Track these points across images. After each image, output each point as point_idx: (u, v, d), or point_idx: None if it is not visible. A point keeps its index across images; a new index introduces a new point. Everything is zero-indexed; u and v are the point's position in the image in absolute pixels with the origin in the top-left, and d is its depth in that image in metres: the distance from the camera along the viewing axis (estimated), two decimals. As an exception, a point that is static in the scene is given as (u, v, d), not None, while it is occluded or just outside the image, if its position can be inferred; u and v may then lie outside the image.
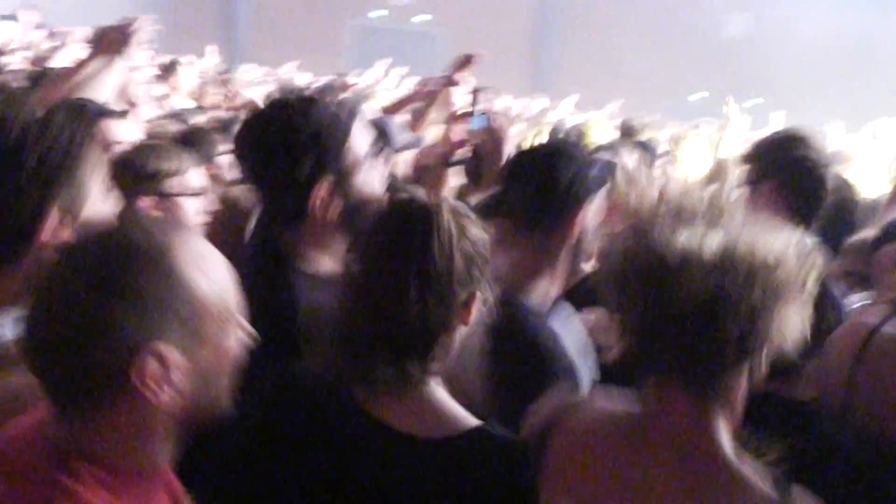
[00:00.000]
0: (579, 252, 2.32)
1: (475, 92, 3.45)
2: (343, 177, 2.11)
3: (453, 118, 3.58)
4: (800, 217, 2.94)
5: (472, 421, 1.63)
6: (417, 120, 5.39)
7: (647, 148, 5.22)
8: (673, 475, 1.48)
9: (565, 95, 12.46)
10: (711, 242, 1.44)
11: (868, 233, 3.59)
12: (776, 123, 12.50)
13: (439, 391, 1.65)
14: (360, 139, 2.17)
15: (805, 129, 3.36)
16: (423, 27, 23.80)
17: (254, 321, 1.57)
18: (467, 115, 3.43)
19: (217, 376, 1.31)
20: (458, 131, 3.47)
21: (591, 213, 2.31)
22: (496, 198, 2.37)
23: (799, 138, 3.10)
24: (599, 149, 4.94)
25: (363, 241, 1.70)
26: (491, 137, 3.14)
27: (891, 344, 2.18)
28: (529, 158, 2.40)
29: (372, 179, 2.19)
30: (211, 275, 1.29)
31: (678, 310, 1.42)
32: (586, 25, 22.75)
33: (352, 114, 2.22)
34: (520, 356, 2.10)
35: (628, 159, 4.57)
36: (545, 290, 2.27)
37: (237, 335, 1.35)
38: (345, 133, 2.14)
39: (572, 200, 2.27)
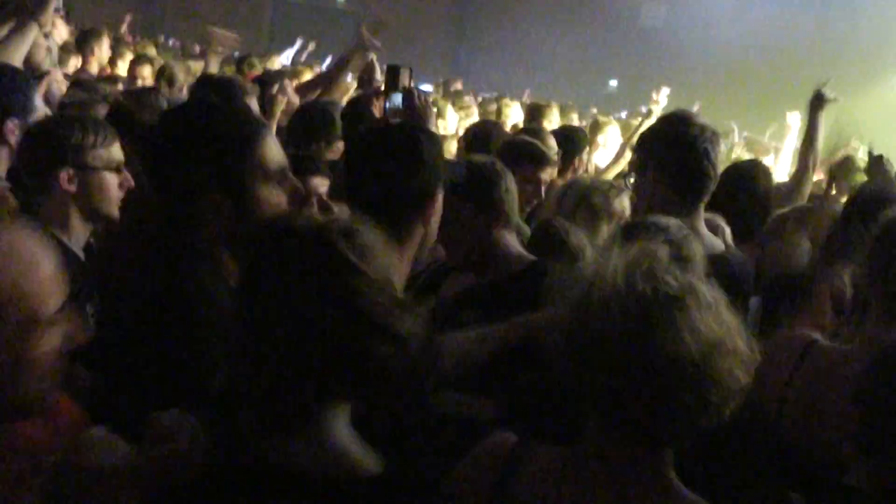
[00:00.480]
0: (423, 246, 2.27)
1: (392, 71, 3.43)
2: (233, 191, 1.95)
3: (376, 96, 3.57)
4: (686, 198, 2.92)
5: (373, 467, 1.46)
6: (331, 84, 5.41)
7: (574, 134, 5.25)
8: None
9: (483, 78, 12.50)
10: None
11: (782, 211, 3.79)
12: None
13: (343, 430, 1.47)
14: (267, 153, 2.00)
15: (685, 110, 3.37)
16: (346, 6, 23.55)
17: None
18: (386, 94, 3.41)
19: (10, 375, 1.35)
20: (378, 109, 3.46)
21: (438, 209, 2.25)
22: (344, 182, 2.29)
23: (676, 118, 3.05)
24: (524, 132, 4.98)
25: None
26: (414, 116, 3.10)
27: (826, 356, 2.24)
28: (379, 148, 2.27)
29: (272, 199, 1.99)
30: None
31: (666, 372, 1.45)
32: (506, 9, 22.81)
33: (261, 125, 2.07)
34: None
35: (552, 144, 4.62)
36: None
37: (55, 334, 1.38)
38: (244, 146, 1.97)
39: (422, 196, 2.20)
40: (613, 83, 21.88)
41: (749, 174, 4.14)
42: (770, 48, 18.70)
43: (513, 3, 22.77)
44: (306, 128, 4.43)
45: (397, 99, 3.31)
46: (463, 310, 2.54)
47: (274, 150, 2.02)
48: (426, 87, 8.99)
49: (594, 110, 10.53)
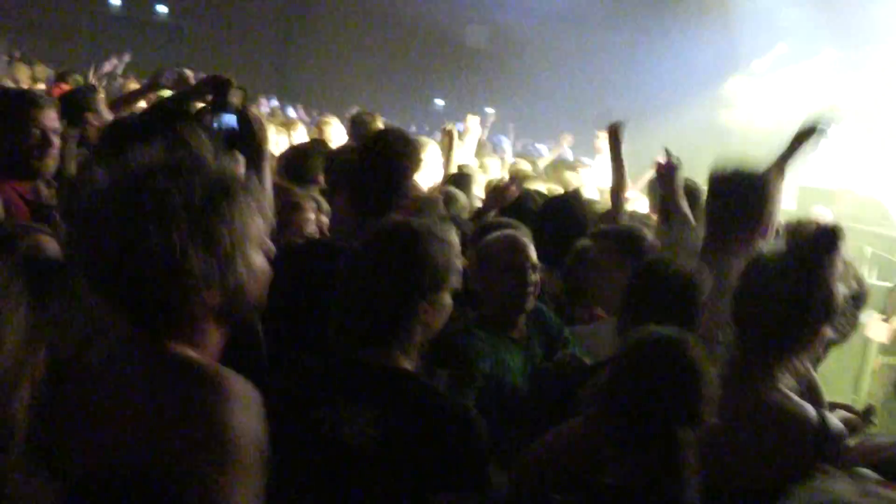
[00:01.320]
0: None
1: (221, 87, 3.33)
2: None
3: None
4: (370, 212, 3.02)
5: None
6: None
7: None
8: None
9: (309, 96, 12.49)
10: None
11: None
12: (511, 134, 13.27)
13: None
14: None
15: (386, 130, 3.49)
16: (171, 19, 22.92)
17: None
18: (214, 111, 3.32)
19: None
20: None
21: None
22: None
23: (371, 141, 3.24)
24: (343, 150, 5.04)
25: None
26: (255, 135, 3.04)
27: None
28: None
29: None
30: None
31: None
32: (334, 27, 22.81)
33: None
34: None
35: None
36: None
37: None
38: None
39: None
40: (439, 102, 22.26)
41: (568, 204, 4.30)
42: (581, 73, 19.49)
43: (340, 20, 22.80)
44: (121, 143, 4.34)
45: (231, 120, 3.21)
46: None
47: None
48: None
49: (414, 128, 10.68)
